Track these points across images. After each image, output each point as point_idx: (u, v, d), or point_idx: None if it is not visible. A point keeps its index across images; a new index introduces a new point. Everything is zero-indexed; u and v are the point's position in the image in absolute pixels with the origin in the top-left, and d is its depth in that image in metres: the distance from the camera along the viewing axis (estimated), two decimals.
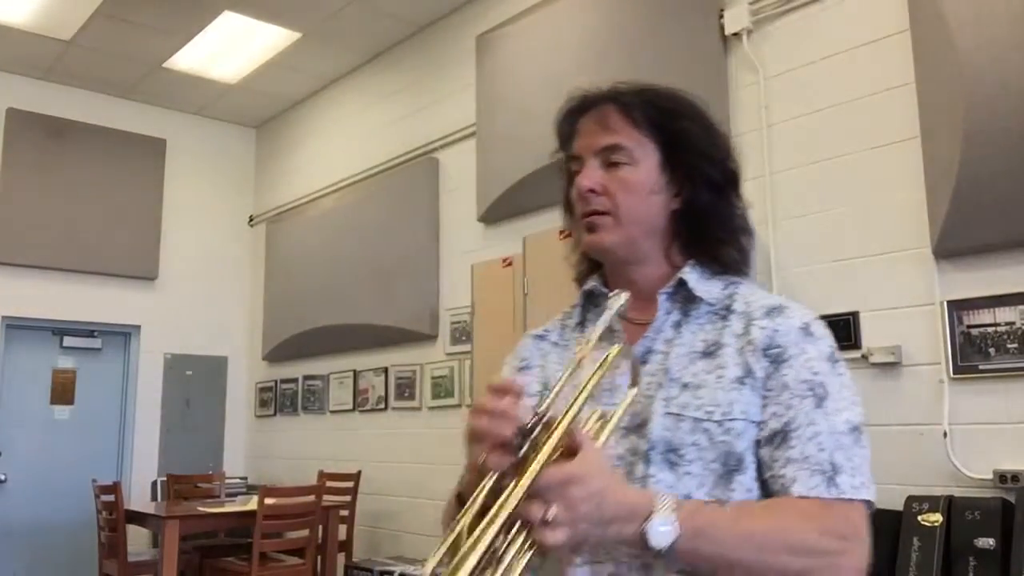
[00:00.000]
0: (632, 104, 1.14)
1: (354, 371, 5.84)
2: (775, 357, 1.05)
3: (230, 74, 6.22)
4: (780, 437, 1.02)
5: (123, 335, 6.50)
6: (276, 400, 6.63)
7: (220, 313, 6.88)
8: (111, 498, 4.65)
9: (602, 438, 0.96)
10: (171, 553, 4.30)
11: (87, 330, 6.33)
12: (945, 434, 2.92)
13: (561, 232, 4.26)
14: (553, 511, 0.84)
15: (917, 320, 3.05)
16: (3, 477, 5.86)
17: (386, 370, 5.55)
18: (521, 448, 0.89)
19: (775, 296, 1.14)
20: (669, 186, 1.14)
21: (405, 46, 5.77)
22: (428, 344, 5.22)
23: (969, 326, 2.91)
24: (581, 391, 0.95)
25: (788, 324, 1.07)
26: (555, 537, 0.84)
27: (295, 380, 6.43)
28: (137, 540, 5.34)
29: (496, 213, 4.80)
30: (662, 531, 0.90)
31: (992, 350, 2.85)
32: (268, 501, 4.49)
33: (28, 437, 6.02)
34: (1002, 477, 2.76)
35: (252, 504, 4.72)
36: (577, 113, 1.19)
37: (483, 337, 4.48)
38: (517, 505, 0.85)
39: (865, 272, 3.22)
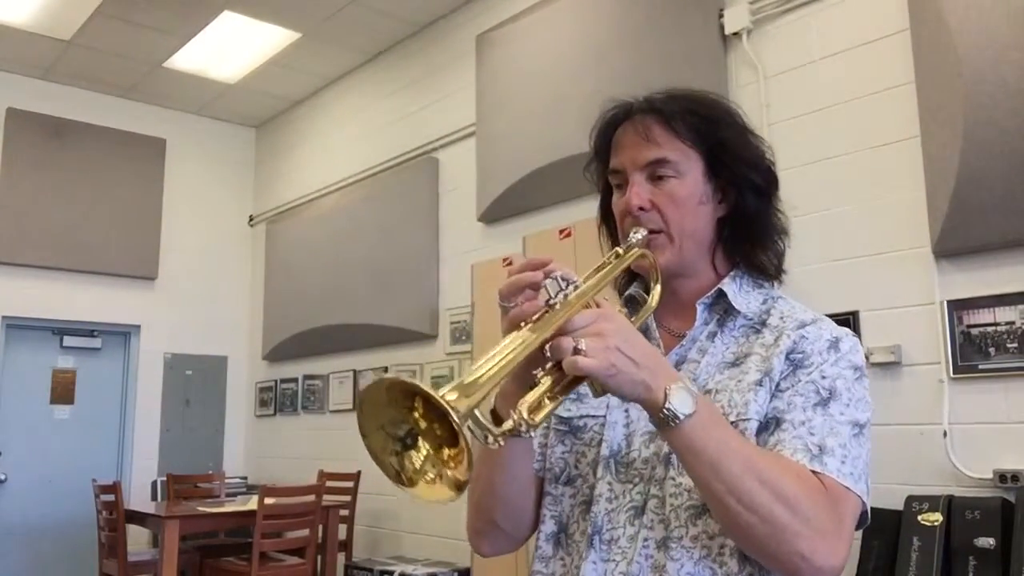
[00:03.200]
0: (673, 114, 1.10)
1: (354, 371, 5.84)
2: (796, 362, 1.04)
3: (230, 74, 6.22)
4: (774, 423, 1.01)
5: (123, 335, 6.50)
6: (276, 400, 6.62)
7: (220, 313, 6.87)
8: (111, 498, 4.65)
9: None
10: (171, 553, 4.30)
11: (87, 330, 6.33)
12: (945, 434, 2.92)
13: (561, 232, 4.27)
14: (584, 342, 0.87)
15: (917, 320, 3.05)
16: (3, 477, 5.86)
17: (386, 370, 5.54)
18: (550, 302, 0.93)
19: (813, 312, 1.11)
20: (714, 194, 1.12)
21: (405, 46, 5.77)
22: (428, 344, 5.22)
23: (969, 326, 2.91)
24: (603, 274, 1.03)
25: (817, 334, 1.06)
26: (587, 363, 0.86)
27: (295, 380, 6.43)
28: (137, 540, 5.35)
29: (496, 213, 4.79)
30: (685, 398, 0.90)
31: (992, 350, 2.85)
32: (268, 501, 4.49)
33: (28, 437, 6.01)
34: (1002, 477, 2.77)
35: (252, 504, 4.71)
36: (614, 124, 1.15)
37: (483, 337, 4.48)
38: (551, 339, 0.88)
39: (865, 271, 3.21)
